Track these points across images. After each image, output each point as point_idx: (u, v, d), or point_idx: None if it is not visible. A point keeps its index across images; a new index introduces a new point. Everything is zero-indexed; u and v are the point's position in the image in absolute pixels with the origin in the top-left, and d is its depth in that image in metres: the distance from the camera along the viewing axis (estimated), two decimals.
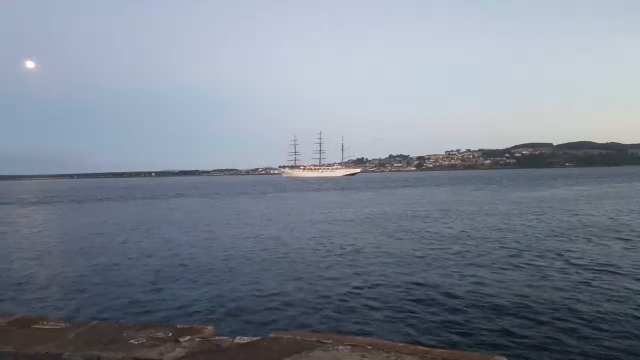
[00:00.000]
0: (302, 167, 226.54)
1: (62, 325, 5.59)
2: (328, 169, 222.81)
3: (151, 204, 51.33)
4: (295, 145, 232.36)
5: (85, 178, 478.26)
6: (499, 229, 22.14)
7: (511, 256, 15.28)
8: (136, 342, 4.62)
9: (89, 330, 5.18)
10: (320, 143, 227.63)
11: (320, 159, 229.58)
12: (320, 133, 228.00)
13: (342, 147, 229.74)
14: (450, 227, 23.19)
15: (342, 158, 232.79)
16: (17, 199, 72.51)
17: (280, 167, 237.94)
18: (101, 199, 63.56)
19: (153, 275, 13.96)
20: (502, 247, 16.87)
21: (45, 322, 5.64)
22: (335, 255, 16.36)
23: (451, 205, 36.93)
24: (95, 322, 5.73)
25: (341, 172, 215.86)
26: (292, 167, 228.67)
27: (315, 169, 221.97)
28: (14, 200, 68.54)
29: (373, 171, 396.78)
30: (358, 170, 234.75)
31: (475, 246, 17.26)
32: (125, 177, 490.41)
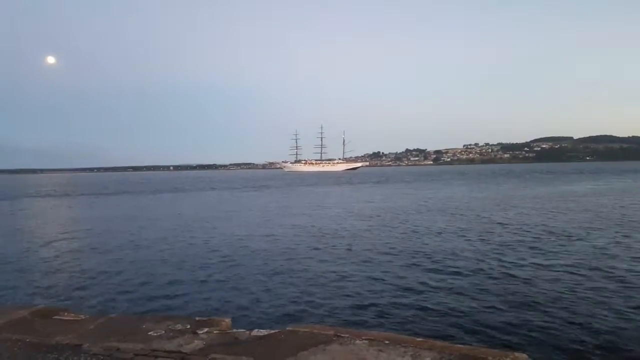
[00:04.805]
0: (303, 162, 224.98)
1: (82, 316, 5.69)
2: (329, 163, 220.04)
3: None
4: (296, 139, 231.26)
5: (106, 172, 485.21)
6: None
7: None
8: (155, 334, 4.67)
9: (108, 322, 5.25)
10: (321, 137, 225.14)
11: (321, 154, 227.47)
12: (322, 127, 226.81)
13: (344, 141, 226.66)
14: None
15: (343, 152, 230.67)
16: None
17: (283, 161, 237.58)
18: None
19: (175, 267, 14.09)
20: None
21: (66, 314, 5.74)
22: (355, 250, 16.31)
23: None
24: (114, 314, 5.82)
25: (342, 166, 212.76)
26: (293, 162, 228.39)
27: (316, 164, 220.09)
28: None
29: (389, 165, 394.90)
30: (359, 164, 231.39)
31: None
32: (144, 170, 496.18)
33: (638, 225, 20.17)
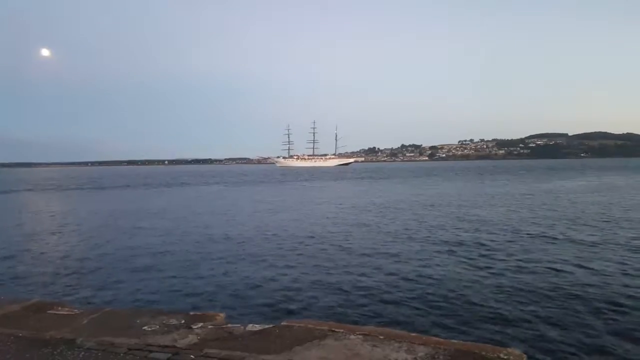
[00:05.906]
0: (295, 157, 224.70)
1: (77, 311, 5.66)
2: (321, 159, 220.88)
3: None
4: (288, 134, 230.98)
5: (100, 166, 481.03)
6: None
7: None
8: (149, 329, 4.66)
9: (102, 316, 5.23)
10: (313, 133, 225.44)
11: (313, 149, 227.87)
12: (314, 122, 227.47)
13: (336, 137, 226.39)
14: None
15: (336, 148, 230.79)
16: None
17: (276, 157, 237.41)
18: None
19: (169, 262, 14.06)
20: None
21: (59, 308, 5.71)
22: (355, 244, 16.35)
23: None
24: (108, 308, 5.81)
25: (334, 162, 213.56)
26: (285, 157, 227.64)
27: (308, 159, 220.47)
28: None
29: (385, 161, 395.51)
30: (352, 160, 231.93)
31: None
32: (139, 164, 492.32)
33: (625, 221, 20.35)
